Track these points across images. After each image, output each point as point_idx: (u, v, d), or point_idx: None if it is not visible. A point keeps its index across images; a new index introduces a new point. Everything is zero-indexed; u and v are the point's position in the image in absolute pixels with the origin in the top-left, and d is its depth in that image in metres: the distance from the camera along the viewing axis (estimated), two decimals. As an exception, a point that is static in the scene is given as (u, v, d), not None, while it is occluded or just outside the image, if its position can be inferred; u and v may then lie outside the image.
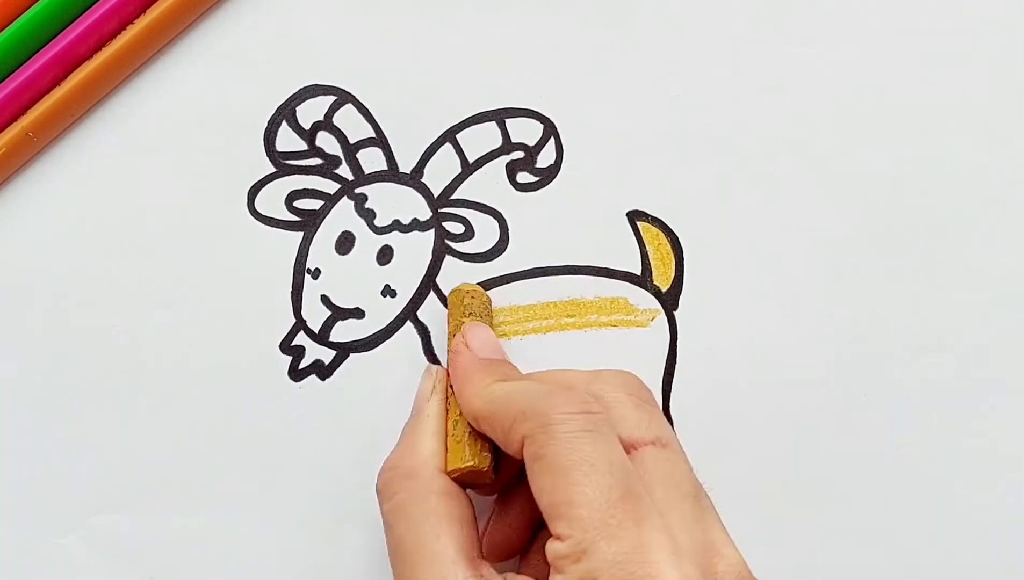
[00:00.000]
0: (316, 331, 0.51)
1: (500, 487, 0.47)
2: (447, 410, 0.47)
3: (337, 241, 0.51)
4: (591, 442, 0.42)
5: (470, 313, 0.49)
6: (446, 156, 0.51)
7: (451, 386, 0.47)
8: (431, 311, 0.51)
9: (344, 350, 0.51)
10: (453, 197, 0.51)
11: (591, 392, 0.45)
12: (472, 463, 0.45)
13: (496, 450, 0.46)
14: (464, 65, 0.52)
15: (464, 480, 0.46)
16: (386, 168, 0.51)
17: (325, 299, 0.51)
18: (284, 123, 0.51)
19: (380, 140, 0.51)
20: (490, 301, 0.50)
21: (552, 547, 0.41)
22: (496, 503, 0.48)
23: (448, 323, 0.49)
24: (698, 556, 0.42)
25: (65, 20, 0.51)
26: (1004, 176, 0.51)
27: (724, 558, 0.42)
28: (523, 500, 0.47)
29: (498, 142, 0.51)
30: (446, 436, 0.46)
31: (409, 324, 0.51)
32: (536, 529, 0.47)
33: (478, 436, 0.46)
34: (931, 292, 0.51)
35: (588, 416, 0.42)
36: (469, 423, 0.46)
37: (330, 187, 0.51)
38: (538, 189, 0.51)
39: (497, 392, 0.45)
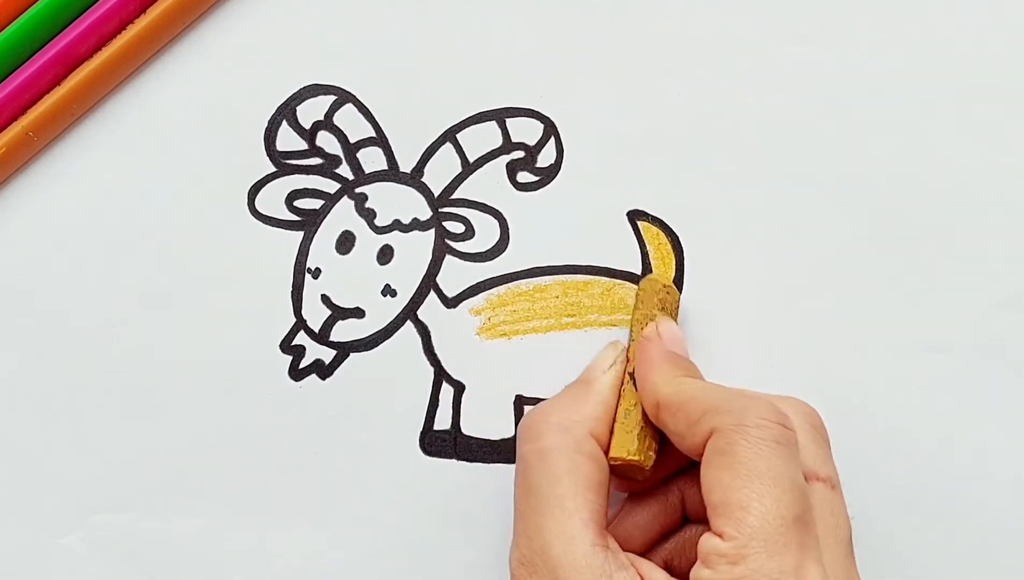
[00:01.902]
0: (316, 331, 0.51)
1: (642, 489, 0.47)
2: (620, 393, 0.47)
3: (337, 241, 0.51)
4: (781, 455, 0.42)
5: (663, 307, 0.49)
6: (446, 156, 0.51)
7: (628, 375, 0.47)
8: (431, 311, 0.51)
9: (344, 350, 0.51)
10: (453, 197, 0.51)
11: None
12: (638, 458, 0.46)
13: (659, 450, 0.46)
14: (464, 65, 0.52)
15: (618, 470, 0.46)
16: (386, 168, 0.51)
17: (325, 299, 0.51)
18: (284, 123, 0.51)
19: (380, 140, 0.51)
20: (679, 303, 0.50)
21: (711, 542, 0.41)
22: (627, 501, 0.48)
23: (635, 310, 0.49)
24: None
25: (65, 20, 0.51)
26: (1004, 176, 0.51)
27: None
28: (659, 508, 0.47)
29: (498, 142, 0.51)
30: (613, 421, 0.46)
31: (409, 324, 0.51)
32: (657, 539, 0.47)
33: (648, 433, 0.46)
34: (931, 292, 0.51)
35: (783, 430, 0.42)
36: (643, 416, 0.46)
37: (330, 187, 0.51)
38: (538, 189, 0.51)
39: (688, 384, 0.45)
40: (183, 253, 0.51)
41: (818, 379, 0.51)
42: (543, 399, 0.51)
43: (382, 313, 0.51)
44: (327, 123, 0.51)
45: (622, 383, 0.47)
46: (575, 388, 0.48)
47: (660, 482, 0.47)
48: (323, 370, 0.51)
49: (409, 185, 0.51)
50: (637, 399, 0.47)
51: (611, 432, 0.46)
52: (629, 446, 0.46)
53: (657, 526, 0.47)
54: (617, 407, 0.47)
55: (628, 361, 0.48)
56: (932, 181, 0.51)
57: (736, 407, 0.43)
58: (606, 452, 0.46)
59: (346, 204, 0.51)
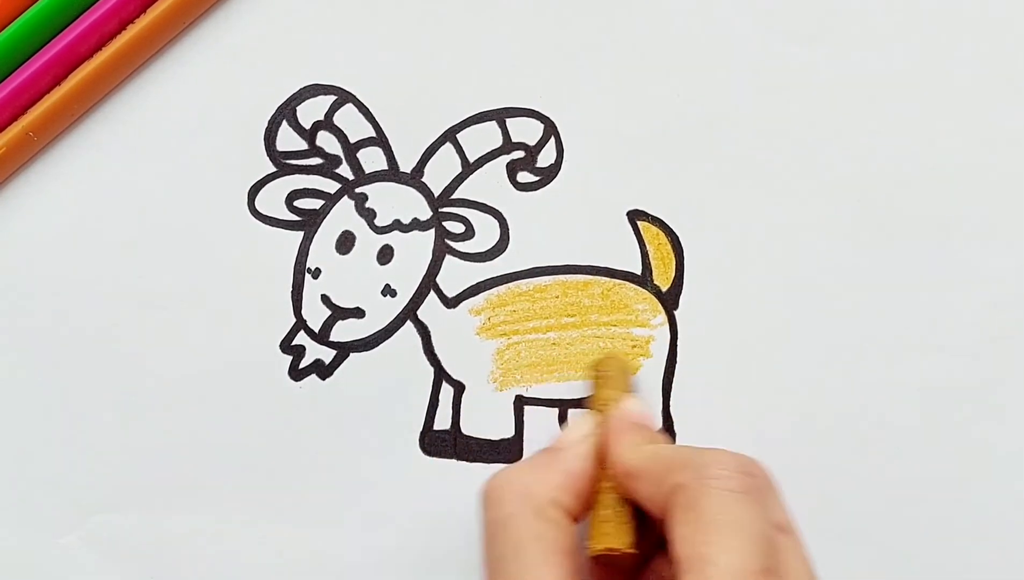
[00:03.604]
0: (316, 331, 0.51)
1: (631, 570, 0.47)
2: (598, 476, 0.46)
3: (337, 241, 0.51)
4: (745, 505, 0.41)
5: (629, 387, 0.49)
6: (446, 156, 0.51)
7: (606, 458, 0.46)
8: (431, 311, 0.51)
9: (344, 350, 0.51)
10: (453, 197, 0.51)
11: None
12: (618, 545, 0.44)
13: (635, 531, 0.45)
14: (464, 65, 0.52)
15: (600, 559, 0.45)
16: (386, 168, 0.51)
17: (325, 299, 0.51)
18: (284, 123, 0.51)
19: (380, 140, 0.51)
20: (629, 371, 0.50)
21: None
22: None
23: (600, 388, 0.49)
24: None
25: (65, 20, 0.51)
26: (1004, 176, 0.51)
27: None
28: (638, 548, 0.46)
29: (498, 142, 0.51)
30: (582, 494, 0.45)
31: (409, 324, 0.51)
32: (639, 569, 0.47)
33: (624, 517, 0.45)
34: (931, 292, 0.51)
35: (748, 478, 0.42)
36: (617, 500, 0.45)
37: (330, 187, 0.51)
38: (538, 189, 0.51)
39: (653, 448, 0.45)
40: (183, 253, 0.51)
41: (818, 379, 0.51)
42: (543, 399, 0.51)
43: (382, 313, 0.51)
44: (327, 123, 0.51)
45: (599, 461, 0.46)
46: (542, 456, 0.46)
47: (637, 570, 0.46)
48: (323, 370, 0.51)
49: (409, 185, 0.51)
50: (607, 484, 0.46)
51: (583, 510, 0.45)
52: (606, 534, 0.45)
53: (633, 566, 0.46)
54: (596, 496, 0.46)
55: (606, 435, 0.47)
56: (932, 181, 0.51)
57: (700, 460, 0.42)
58: (573, 521, 0.45)
59: (346, 204, 0.51)
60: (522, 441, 0.50)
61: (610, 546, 0.44)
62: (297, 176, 0.51)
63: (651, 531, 0.45)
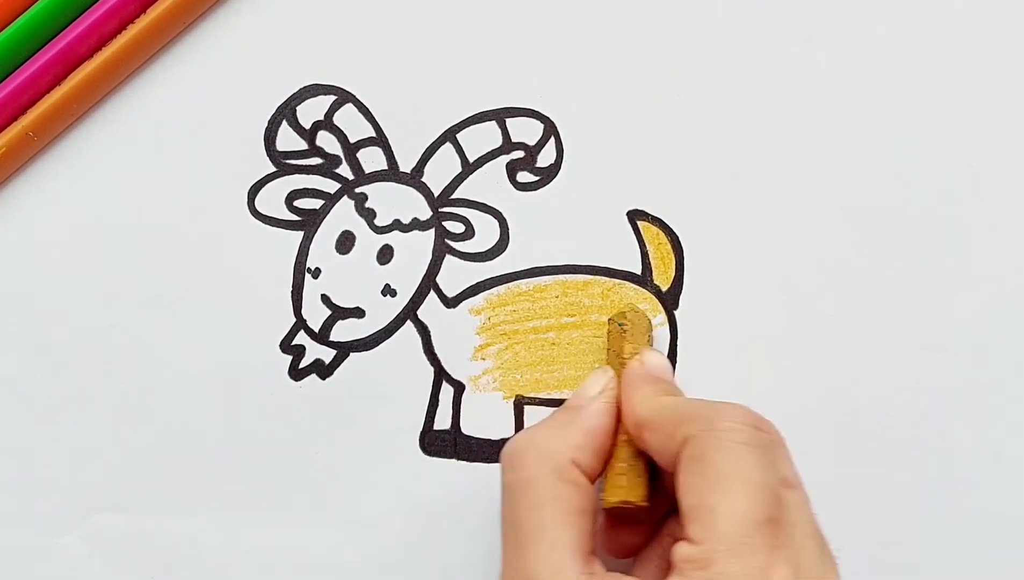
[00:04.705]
0: (316, 330, 0.51)
1: (636, 552, 0.47)
2: (615, 427, 0.46)
3: (337, 241, 0.51)
4: (751, 457, 0.41)
5: (649, 339, 0.49)
6: (446, 156, 0.51)
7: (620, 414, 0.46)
8: (431, 310, 0.51)
9: (344, 350, 0.51)
10: (453, 197, 0.51)
11: None
12: (631, 498, 0.45)
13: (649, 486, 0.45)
14: (464, 65, 0.52)
15: (614, 514, 0.45)
16: (386, 167, 0.51)
17: (325, 298, 0.51)
18: (284, 123, 0.51)
19: (380, 140, 0.51)
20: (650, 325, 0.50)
21: (681, 549, 0.41)
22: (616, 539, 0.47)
23: (619, 342, 0.48)
24: None
25: (65, 20, 0.51)
26: (1003, 176, 0.51)
27: None
28: (653, 505, 0.46)
29: (498, 142, 0.51)
30: (602, 452, 0.45)
31: (409, 323, 0.51)
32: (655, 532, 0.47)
33: (638, 470, 0.45)
34: (930, 292, 0.51)
35: (757, 432, 0.42)
36: (632, 453, 0.45)
37: (330, 186, 0.51)
38: (538, 189, 0.51)
39: (666, 400, 0.45)
40: (183, 253, 0.51)
41: (817, 379, 0.51)
42: (543, 399, 0.51)
43: (382, 313, 0.51)
44: (327, 123, 0.51)
45: (616, 415, 0.46)
46: (561, 415, 0.46)
47: (652, 533, 0.47)
48: (323, 370, 0.51)
49: (409, 185, 0.51)
50: (623, 437, 0.46)
51: (602, 467, 0.45)
52: (621, 486, 0.45)
53: (649, 525, 0.47)
54: (613, 449, 0.46)
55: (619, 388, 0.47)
56: (931, 181, 0.51)
57: (710, 413, 0.43)
58: (592, 479, 0.45)
59: (346, 204, 0.51)
60: (522, 441, 0.50)
61: (624, 499, 0.45)
62: (297, 176, 0.51)
63: (666, 491, 0.45)
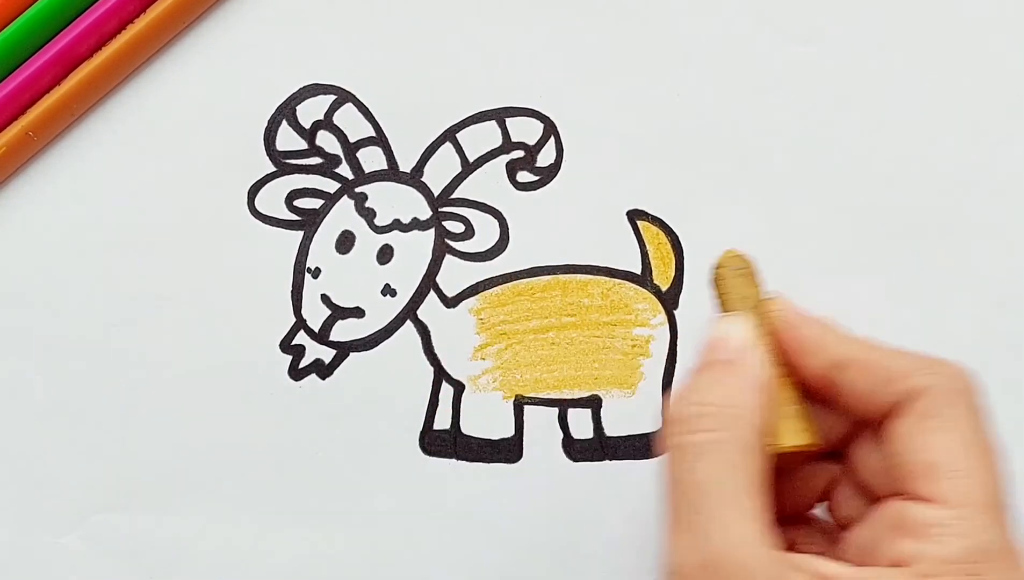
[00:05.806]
0: (316, 330, 0.51)
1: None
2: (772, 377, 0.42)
3: (337, 240, 0.51)
4: (987, 432, 0.40)
5: (761, 281, 0.44)
6: (446, 155, 0.51)
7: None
8: (431, 310, 0.51)
9: (344, 349, 0.51)
10: (453, 196, 0.51)
11: None
12: (812, 441, 0.42)
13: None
14: (464, 65, 0.52)
15: (784, 455, 0.42)
16: (386, 167, 0.51)
17: (325, 298, 0.51)
18: (284, 122, 0.51)
19: (380, 139, 0.51)
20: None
21: (930, 511, 0.38)
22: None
23: (738, 286, 0.44)
24: None
25: (65, 20, 0.51)
26: (1003, 176, 0.51)
27: None
28: (810, 472, 0.44)
29: (498, 141, 0.51)
30: (771, 406, 0.41)
31: (409, 323, 0.51)
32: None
33: (805, 411, 0.42)
34: (930, 293, 0.51)
35: (982, 398, 0.41)
36: (794, 394, 0.42)
37: (330, 186, 0.51)
38: (538, 188, 0.51)
39: (867, 342, 0.42)
40: (183, 253, 0.51)
41: (818, 379, 0.51)
42: (543, 399, 0.51)
43: (382, 313, 0.51)
44: (327, 123, 0.51)
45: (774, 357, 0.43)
46: (717, 371, 0.42)
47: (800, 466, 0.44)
48: (323, 370, 0.51)
49: (409, 185, 0.51)
50: (785, 379, 0.42)
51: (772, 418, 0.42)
52: (799, 429, 0.42)
53: (810, 495, 0.44)
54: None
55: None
56: (932, 181, 0.51)
57: (950, 369, 0.40)
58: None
59: (346, 204, 0.51)
60: (522, 441, 0.50)
61: (805, 442, 0.41)
62: (297, 176, 0.51)
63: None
